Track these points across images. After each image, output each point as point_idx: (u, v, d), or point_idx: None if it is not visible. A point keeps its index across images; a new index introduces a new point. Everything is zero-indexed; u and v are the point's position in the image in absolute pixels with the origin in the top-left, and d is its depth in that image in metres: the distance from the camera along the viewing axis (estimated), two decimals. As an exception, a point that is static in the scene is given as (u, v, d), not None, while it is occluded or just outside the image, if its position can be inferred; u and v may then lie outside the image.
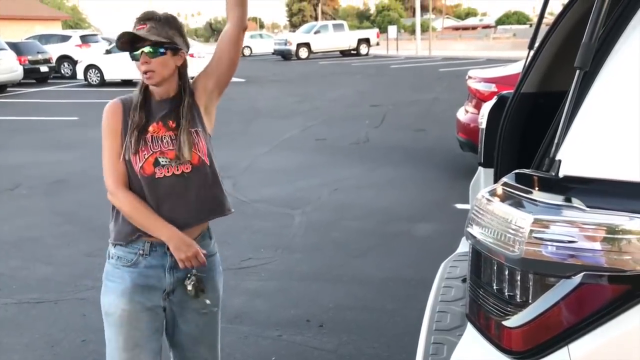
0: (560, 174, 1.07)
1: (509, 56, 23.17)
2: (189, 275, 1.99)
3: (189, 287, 1.98)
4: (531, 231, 1.00)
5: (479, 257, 1.14)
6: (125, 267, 1.96)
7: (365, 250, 4.54)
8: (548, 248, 1.00)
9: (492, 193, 1.12)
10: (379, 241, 4.73)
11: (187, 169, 1.93)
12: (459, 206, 5.46)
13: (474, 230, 1.13)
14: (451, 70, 20.03)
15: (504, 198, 1.10)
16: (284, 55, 30.62)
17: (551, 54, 2.32)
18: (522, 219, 1.02)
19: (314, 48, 30.45)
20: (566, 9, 2.27)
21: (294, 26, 65.41)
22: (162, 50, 1.90)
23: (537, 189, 1.07)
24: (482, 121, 2.56)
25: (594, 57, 1.11)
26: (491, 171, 2.49)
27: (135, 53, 1.92)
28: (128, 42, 1.89)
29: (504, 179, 1.13)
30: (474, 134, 6.18)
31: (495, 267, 1.09)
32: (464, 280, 2.22)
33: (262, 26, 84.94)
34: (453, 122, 6.96)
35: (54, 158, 8.11)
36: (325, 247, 4.68)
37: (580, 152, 1.09)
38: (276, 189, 6.36)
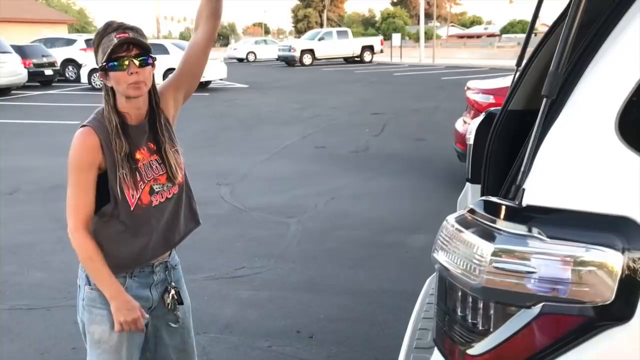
0: (524, 203, 1.08)
1: (513, 65, 23.19)
2: (167, 289, 2.01)
3: (168, 301, 2.00)
4: (492, 260, 1.01)
5: (445, 283, 1.15)
6: None
7: (359, 261, 4.54)
8: (508, 278, 1.01)
9: (459, 220, 1.13)
10: (373, 252, 4.73)
11: (175, 190, 1.94)
12: (455, 217, 5.45)
13: (440, 256, 1.14)
14: (454, 79, 20.04)
15: (469, 225, 1.10)
16: (288, 61, 30.71)
17: (538, 72, 2.33)
18: (484, 248, 1.02)
19: (317, 55, 30.54)
20: (554, 26, 2.28)
21: (299, 32, 65.62)
22: (150, 59, 1.80)
23: (501, 217, 1.07)
24: (470, 137, 2.57)
25: (562, 86, 1.12)
26: (478, 187, 2.50)
27: (120, 63, 1.75)
28: (113, 51, 1.75)
29: (471, 206, 1.14)
30: (472, 145, 6.20)
31: (459, 294, 1.10)
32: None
33: (267, 32, 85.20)
34: (453, 131, 6.97)
35: (55, 162, 8.12)
36: (319, 256, 4.68)
37: (545, 181, 1.09)
38: (273, 197, 6.38)
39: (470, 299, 1.07)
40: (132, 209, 1.83)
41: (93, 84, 18.34)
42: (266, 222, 5.55)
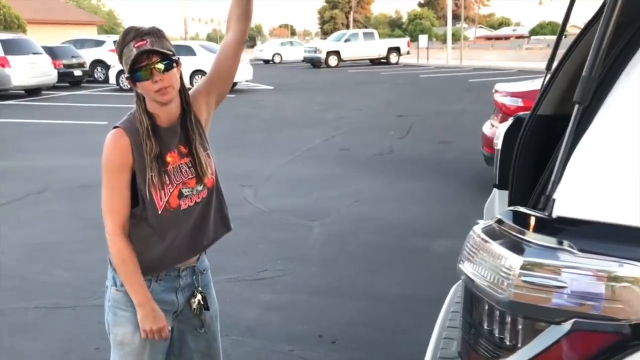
0: (554, 214, 1.03)
1: (542, 67, 22.88)
2: (194, 293, 1.99)
3: (194, 306, 1.98)
4: (520, 274, 0.97)
5: (471, 295, 1.11)
6: None
7: (382, 265, 4.50)
8: (537, 292, 0.96)
9: (486, 230, 1.09)
10: (396, 256, 4.68)
11: (204, 194, 1.92)
12: (481, 222, 5.36)
13: (466, 267, 1.10)
14: (481, 81, 19.82)
15: (497, 237, 1.06)
16: (314, 63, 30.73)
17: (569, 75, 2.27)
18: (512, 261, 0.98)
19: (343, 56, 30.50)
20: (587, 28, 2.22)
21: (325, 33, 65.64)
22: (172, 62, 1.77)
23: (530, 228, 1.03)
24: (498, 142, 2.52)
25: (595, 92, 1.07)
26: (506, 193, 2.44)
27: (142, 72, 1.74)
28: (134, 62, 1.73)
29: (498, 216, 1.09)
30: (499, 148, 6.10)
31: (486, 307, 1.06)
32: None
33: (293, 33, 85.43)
34: (479, 135, 6.88)
35: (82, 162, 8.24)
36: (342, 260, 4.64)
37: (576, 191, 1.05)
38: (296, 199, 6.36)
39: (498, 313, 1.03)
40: (159, 212, 1.83)
41: (121, 84, 18.56)
42: (289, 225, 5.54)
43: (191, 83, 15.16)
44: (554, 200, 1.03)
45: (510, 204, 2.41)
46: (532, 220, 1.05)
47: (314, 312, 3.79)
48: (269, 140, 10.03)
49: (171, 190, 1.84)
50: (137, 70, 1.75)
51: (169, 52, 1.77)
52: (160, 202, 1.82)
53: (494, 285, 1.02)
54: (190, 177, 1.88)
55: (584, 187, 1.05)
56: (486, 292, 1.04)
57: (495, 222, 1.09)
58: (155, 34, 1.77)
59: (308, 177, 7.37)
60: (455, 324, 2.11)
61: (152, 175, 1.80)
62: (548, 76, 2.29)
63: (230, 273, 4.34)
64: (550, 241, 0.99)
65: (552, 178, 1.05)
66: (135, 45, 1.73)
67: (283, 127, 11.39)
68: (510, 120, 2.52)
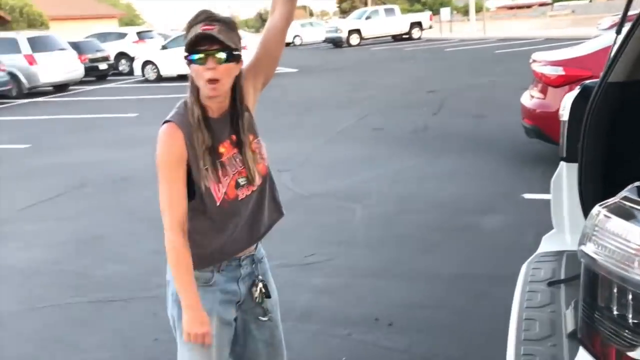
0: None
1: (569, 35, 22.33)
2: (255, 282, 1.97)
3: (256, 294, 1.97)
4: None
5: (594, 277, 1.04)
6: (203, 287, 1.87)
7: (431, 245, 4.43)
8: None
9: (610, 208, 1.01)
10: (444, 235, 4.60)
11: (260, 182, 1.89)
12: (527, 196, 5.26)
13: (588, 249, 1.03)
14: (508, 52, 19.44)
15: (623, 214, 0.99)
16: (335, 42, 30.47)
17: (642, 39, 2.15)
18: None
19: (365, 34, 30.15)
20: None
21: (343, 12, 64.90)
22: (231, 56, 1.71)
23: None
24: (564, 113, 2.41)
25: None
26: (574, 166, 2.35)
27: (200, 56, 1.69)
28: (195, 43, 1.69)
29: (624, 193, 1.02)
30: (541, 119, 5.94)
31: (615, 290, 0.99)
32: (550, 284, 2.10)
33: (311, 14, 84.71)
34: (515, 106, 6.72)
35: (117, 155, 8.31)
36: (389, 241, 4.59)
37: None
38: (335, 181, 6.30)
39: (631, 296, 0.96)
40: (218, 203, 1.80)
41: (146, 76, 18.67)
42: (331, 208, 5.49)
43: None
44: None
45: (580, 177, 2.32)
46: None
47: (367, 294, 3.75)
48: (300, 124, 9.97)
49: (228, 181, 1.81)
50: (195, 52, 1.70)
51: (232, 45, 1.71)
52: (219, 194, 1.79)
53: (624, 265, 0.95)
54: (243, 166, 1.85)
55: None
56: (615, 273, 0.97)
57: (621, 198, 1.02)
58: (227, 24, 1.73)
59: (344, 158, 7.30)
60: (532, 304, 2.05)
61: (206, 168, 1.76)
62: (619, 41, 2.18)
63: (278, 259, 4.30)
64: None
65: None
66: (202, 28, 1.69)
67: (313, 110, 11.31)
68: (576, 90, 2.42)
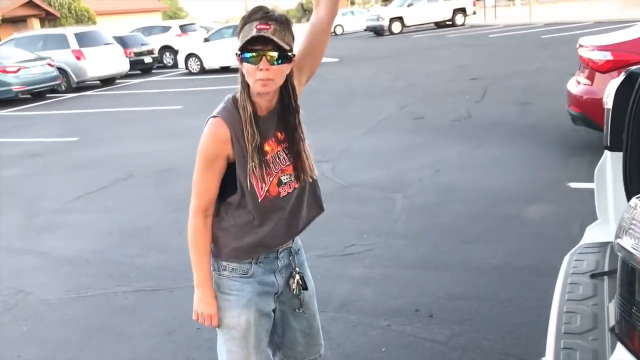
0: None
1: (621, 18, 21.52)
2: (292, 274, 1.99)
3: (293, 286, 1.99)
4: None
5: (632, 272, 1.00)
6: (242, 278, 1.92)
7: (474, 236, 4.36)
8: None
9: (649, 200, 0.98)
10: (487, 225, 4.53)
11: (304, 180, 1.90)
12: (573, 185, 5.12)
13: (625, 242, 0.99)
14: (555, 37, 18.88)
15: (664, 206, 0.95)
16: (377, 31, 30.18)
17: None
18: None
19: (407, 22, 29.74)
20: None
21: (385, 0, 64.29)
22: (284, 57, 1.72)
23: None
24: (608, 100, 2.33)
25: None
26: (619, 155, 2.27)
27: (252, 55, 1.69)
28: (249, 42, 1.69)
29: (664, 184, 0.98)
30: (588, 106, 5.75)
31: (654, 285, 0.96)
32: (592, 276, 2.04)
33: (352, 2, 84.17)
34: (561, 93, 6.54)
35: (162, 147, 8.47)
36: (430, 232, 4.54)
37: None
38: (375, 171, 6.27)
39: (671, 292, 0.93)
40: (259, 200, 1.82)
41: (190, 68, 18.92)
42: (371, 198, 5.47)
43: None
44: None
45: (625, 166, 2.24)
46: None
47: (407, 285, 3.73)
48: (341, 114, 9.95)
49: (271, 180, 1.83)
50: (248, 50, 1.70)
51: (286, 46, 1.71)
52: (261, 192, 1.81)
53: (664, 260, 0.92)
54: (287, 163, 1.87)
55: None
56: (655, 269, 0.94)
57: (661, 190, 0.98)
58: (282, 23, 1.72)
59: (384, 148, 7.25)
60: (574, 297, 2.00)
61: (253, 165, 1.78)
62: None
63: (318, 249, 4.34)
64: None
65: None
66: (257, 27, 1.68)
67: (353, 99, 11.26)
68: (621, 76, 2.33)
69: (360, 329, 3.28)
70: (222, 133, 1.79)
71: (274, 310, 2.01)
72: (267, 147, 1.83)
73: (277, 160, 1.85)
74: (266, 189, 1.82)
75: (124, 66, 18.41)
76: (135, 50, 20.19)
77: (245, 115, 1.78)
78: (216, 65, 18.21)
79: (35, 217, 5.88)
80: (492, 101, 9.48)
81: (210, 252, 1.92)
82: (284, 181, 1.86)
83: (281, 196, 1.86)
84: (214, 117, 1.81)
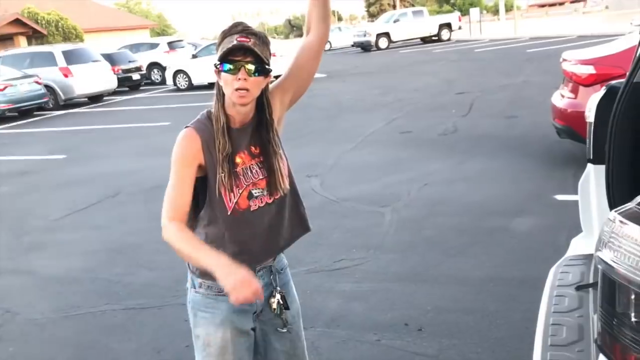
0: None
1: (603, 32, 21.85)
2: (273, 293, 1.96)
3: (274, 306, 1.95)
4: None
5: (612, 284, 1.03)
6: (218, 296, 1.88)
7: (462, 248, 4.39)
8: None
9: (626, 214, 1.00)
10: (475, 238, 4.56)
11: (277, 195, 1.89)
12: (559, 197, 5.18)
13: (605, 255, 1.02)
14: (540, 51, 19.14)
15: (639, 220, 0.98)
16: (364, 46, 30.43)
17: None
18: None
19: (393, 37, 30.04)
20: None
21: (372, 16, 64.84)
22: (262, 70, 1.76)
23: (680, 209, 0.94)
24: (590, 114, 2.38)
25: None
26: (602, 168, 2.31)
27: (231, 67, 1.74)
28: (229, 53, 1.73)
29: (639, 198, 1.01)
30: (572, 119, 5.83)
31: (632, 297, 0.98)
32: (577, 288, 2.07)
33: (340, 19, 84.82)
34: (547, 107, 6.62)
35: (150, 164, 8.45)
36: (419, 245, 4.57)
37: None
38: (364, 186, 6.30)
39: (649, 303, 0.95)
40: (229, 212, 1.82)
41: (178, 85, 18.94)
42: (360, 212, 5.49)
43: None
44: None
45: (608, 179, 2.28)
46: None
47: (397, 300, 3.74)
48: (330, 128, 10.00)
49: (240, 192, 1.82)
50: (227, 61, 1.74)
51: (264, 59, 1.76)
52: (230, 203, 1.81)
53: (641, 272, 0.94)
54: (260, 177, 1.86)
55: None
56: (633, 281, 0.96)
57: (637, 204, 1.01)
58: (262, 38, 1.78)
59: (373, 162, 7.30)
60: (560, 309, 2.02)
61: (222, 175, 1.79)
62: (644, 39, 2.14)
63: (307, 264, 4.35)
64: None
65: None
66: (238, 39, 1.73)
67: (342, 114, 11.32)
68: (602, 91, 2.38)
69: (350, 344, 3.29)
70: (193, 141, 1.81)
71: (253, 329, 1.97)
72: (238, 159, 1.83)
73: (250, 173, 1.85)
74: (235, 200, 1.81)
75: (111, 83, 18.40)
76: (123, 67, 20.19)
77: (217, 126, 1.81)
78: (204, 81, 18.24)
79: (23, 236, 5.84)
80: (478, 115, 9.57)
81: (199, 240, 1.82)
82: (255, 195, 1.84)
83: (251, 210, 1.84)
84: (186, 127, 1.85)
